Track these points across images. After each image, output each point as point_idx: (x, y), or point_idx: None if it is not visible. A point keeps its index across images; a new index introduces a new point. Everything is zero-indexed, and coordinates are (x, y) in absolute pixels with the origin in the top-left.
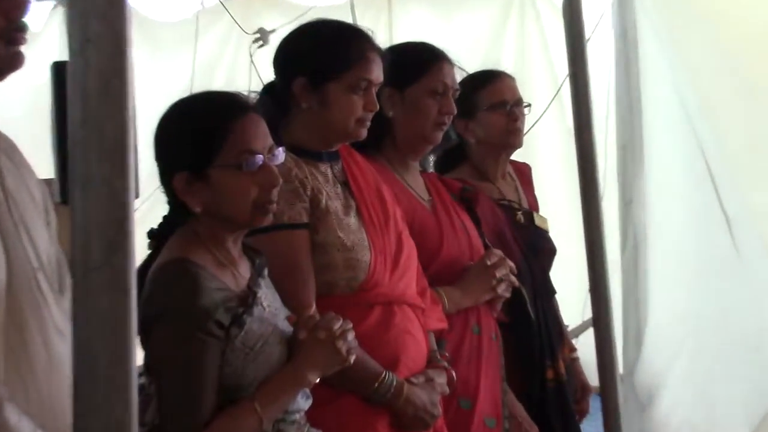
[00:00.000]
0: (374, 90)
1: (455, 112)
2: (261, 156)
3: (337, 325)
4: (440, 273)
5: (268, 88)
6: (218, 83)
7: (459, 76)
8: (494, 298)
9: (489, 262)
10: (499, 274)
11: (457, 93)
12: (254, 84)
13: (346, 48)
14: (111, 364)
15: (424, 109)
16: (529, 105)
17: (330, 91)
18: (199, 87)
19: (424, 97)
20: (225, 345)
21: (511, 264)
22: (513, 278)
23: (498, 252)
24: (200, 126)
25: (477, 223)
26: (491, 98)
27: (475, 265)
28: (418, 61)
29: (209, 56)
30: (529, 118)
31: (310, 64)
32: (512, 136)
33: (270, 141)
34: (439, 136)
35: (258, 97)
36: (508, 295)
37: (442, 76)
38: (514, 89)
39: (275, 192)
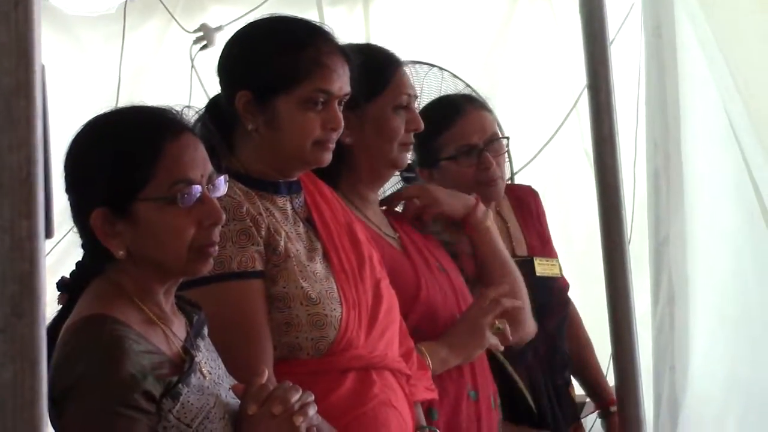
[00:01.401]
0: (337, 104)
1: (422, 126)
2: (198, 187)
3: (296, 396)
4: (420, 325)
5: (213, 105)
6: (151, 94)
7: (453, 84)
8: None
9: (480, 307)
10: (492, 319)
11: (416, 99)
12: (196, 95)
13: (298, 52)
14: None
15: (390, 129)
16: (508, 138)
17: (278, 107)
18: (127, 99)
19: (387, 115)
20: (156, 422)
21: (514, 303)
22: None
23: (493, 291)
24: (122, 150)
25: (454, 256)
26: (455, 143)
27: (464, 313)
28: (376, 70)
29: (140, 60)
30: (539, 138)
31: (253, 75)
32: (485, 188)
33: (210, 168)
34: (406, 158)
35: (198, 114)
36: (501, 348)
37: (406, 86)
38: (484, 125)
39: (217, 232)
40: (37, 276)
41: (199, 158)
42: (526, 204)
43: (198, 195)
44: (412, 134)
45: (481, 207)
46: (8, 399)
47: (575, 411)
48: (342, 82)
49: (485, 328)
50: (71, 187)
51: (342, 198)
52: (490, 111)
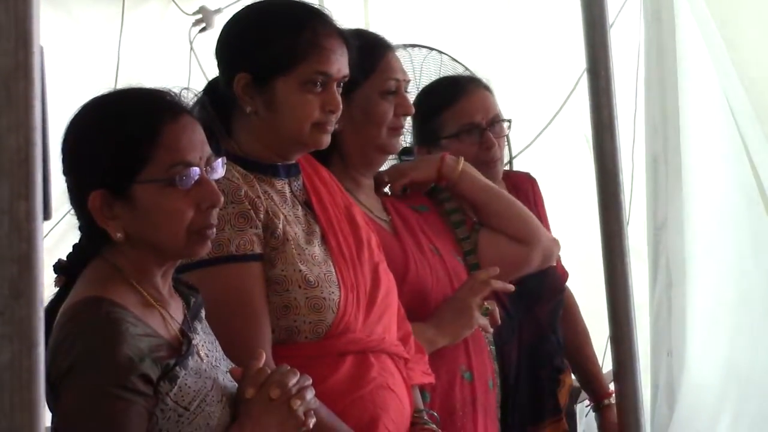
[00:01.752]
0: (336, 86)
1: (413, 111)
2: (197, 169)
3: (293, 380)
4: (410, 305)
5: (211, 87)
6: (149, 76)
7: (452, 68)
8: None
9: (469, 288)
10: (480, 300)
11: (408, 84)
12: (194, 77)
13: (296, 34)
14: (15, 428)
15: (377, 114)
16: (509, 121)
17: (277, 89)
18: (125, 81)
19: (374, 100)
20: (153, 404)
21: (505, 286)
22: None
23: (484, 273)
24: (121, 132)
25: (455, 225)
26: (457, 121)
27: (451, 298)
28: (362, 56)
29: (138, 42)
30: (537, 122)
31: (252, 57)
32: (486, 168)
33: (208, 150)
34: (397, 143)
35: (197, 96)
36: (489, 330)
37: (394, 72)
38: (487, 105)
39: (215, 213)
40: (35, 257)
41: (198, 140)
42: (523, 191)
43: (196, 177)
44: (402, 118)
45: (448, 158)
46: (6, 380)
47: (555, 407)
48: (340, 64)
49: (474, 308)
50: (69, 169)
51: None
52: (491, 92)
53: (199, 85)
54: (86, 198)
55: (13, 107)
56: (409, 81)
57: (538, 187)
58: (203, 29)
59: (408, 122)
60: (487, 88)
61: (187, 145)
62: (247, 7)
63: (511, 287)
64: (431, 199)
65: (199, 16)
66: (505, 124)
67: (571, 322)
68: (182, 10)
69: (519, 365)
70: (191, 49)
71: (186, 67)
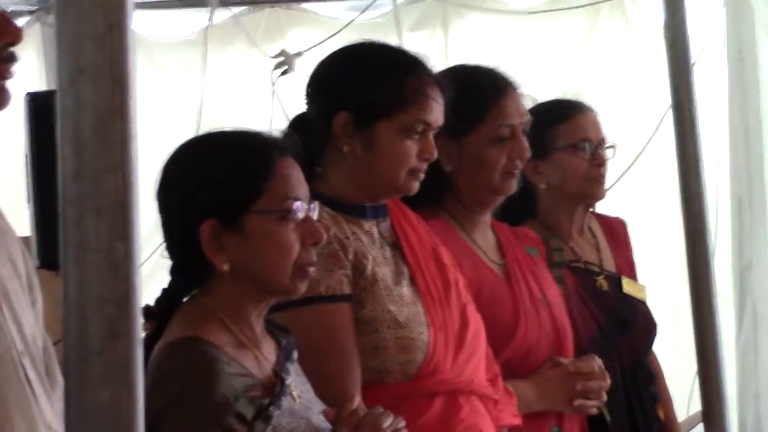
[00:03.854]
0: (431, 135)
1: (529, 154)
2: (304, 204)
3: (388, 422)
4: (511, 362)
5: (297, 123)
6: (232, 119)
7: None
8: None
9: (578, 369)
10: (582, 387)
11: (529, 124)
12: (276, 121)
13: (403, 82)
14: None
15: (488, 161)
16: (613, 146)
17: (378, 132)
18: (209, 124)
19: (486, 147)
20: None
21: (606, 383)
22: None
23: (597, 361)
24: (238, 161)
25: (560, 281)
26: (571, 136)
27: (563, 368)
28: (474, 101)
29: (221, 85)
30: (619, 161)
31: (356, 97)
32: (594, 185)
33: (308, 190)
34: (512, 185)
35: (284, 133)
36: (591, 412)
37: (507, 117)
38: (597, 127)
39: (315, 252)
40: (133, 298)
41: (301, 179)
42: (615, 231)
43: (303, 213)
44: (518, 161)
45: None
46: (106, 421)
47: (661, 429)
48: (439, 114)
49: (576, 391)
50: (174, 203)
51: (450, 220)
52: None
53: (281, 127)
54: (194, 229)
55: (111, 149)
56: (528, 121)
57: (627, 230)
58: (285, 72)
59: None
60: (596, 113)
61: (296, 182)
62: (347, 48)
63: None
64: (544, 242)
65: (281, 59)
66: (609, 151)
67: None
68: (264, 54)
69: (620, 386)
70: (273, 91)
71: (268, 110)
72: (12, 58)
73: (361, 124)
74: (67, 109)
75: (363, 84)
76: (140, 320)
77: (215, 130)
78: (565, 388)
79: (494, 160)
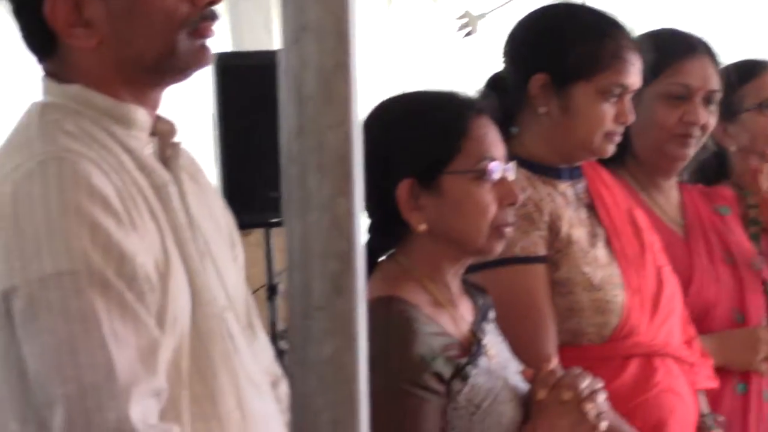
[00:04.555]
0: (628, 98)
1: (702, 121)
2: (501, 164)
3: (585, 383)
4: (689, 316)
5: (494, 83)
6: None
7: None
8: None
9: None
10: None
11: (718, 95)
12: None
13: (602, 44)
14: (336, 424)
15: (657, 118)
16: None
17: (577, 94)
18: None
19: (656, 103)
20: (446, 402)
21: None
22: None
23: None
24: (435, 122)
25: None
26: (757, 95)
27: (751, 329)
28: (655, 57)
29: (401, 47)
30: None
31: (554, 58)
32: None
33: (504, 151)
34: (684, 152)
35: (480, 92)
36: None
37: (684, 77)
38: None
39: (512, 212)
40: (355, 254)
41: (498, 139)
42: None
43: (500, 173)
44: (690, 127)
45: None
46: (330, 375)
47: None
48: (636, 77)
49: (760, 353)
50: (372, 162)
51: (631, 180)
52: None
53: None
54: (391, 189)
55: (334, 105)
56: (717, 91)
57: None
58: (468, 34)
59: None
60: None
61: (492, 141)
62: (543, 9)
63: None
64: (739, 201)
65: (465, 20)
66: None
67: None
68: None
69: None
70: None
71: (449, 73)
72: (213, 17)
73: (558, 86)
74: (291, 66)
75: (562, 47)
76: (363, 275)
77: (412, 91)
78: (748, 350)
79: (664, 119)
